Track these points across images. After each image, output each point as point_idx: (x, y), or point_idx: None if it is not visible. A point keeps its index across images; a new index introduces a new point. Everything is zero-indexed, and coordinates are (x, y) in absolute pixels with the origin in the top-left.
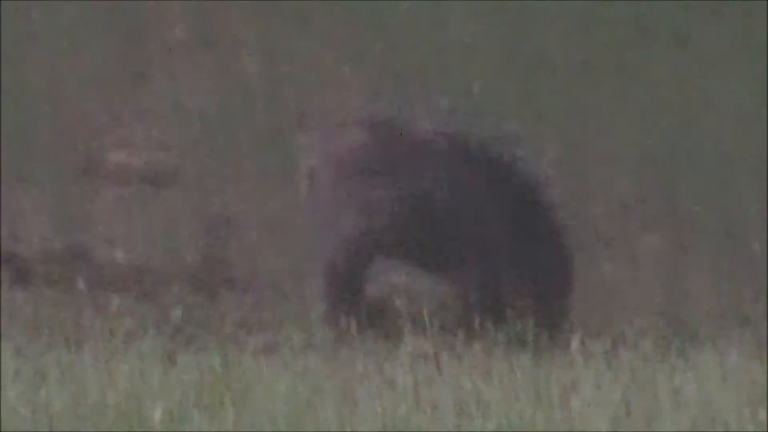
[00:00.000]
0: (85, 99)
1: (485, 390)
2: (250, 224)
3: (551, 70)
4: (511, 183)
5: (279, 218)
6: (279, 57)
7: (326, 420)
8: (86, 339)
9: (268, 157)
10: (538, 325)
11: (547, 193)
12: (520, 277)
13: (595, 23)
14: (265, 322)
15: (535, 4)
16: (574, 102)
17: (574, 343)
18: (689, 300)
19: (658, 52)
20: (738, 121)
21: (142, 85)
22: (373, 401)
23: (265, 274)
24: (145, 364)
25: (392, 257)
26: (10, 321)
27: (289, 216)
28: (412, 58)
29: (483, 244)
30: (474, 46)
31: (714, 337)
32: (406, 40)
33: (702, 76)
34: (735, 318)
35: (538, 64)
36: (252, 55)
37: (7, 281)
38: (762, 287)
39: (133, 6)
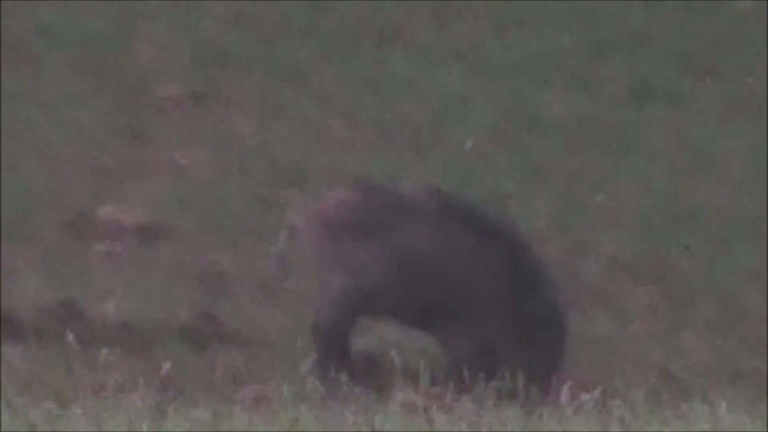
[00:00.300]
0: (78, 156)
1: None
2: (241, 279)
3: (546, 128)
4: (503, 240)
5: (270, 274)
6: (273, 114)
7: None
8: (76, 393)
9: (260, 214)
10: (528, 379)
11: (539, 249)
12: (512, 331)
13: (591, 82)
14: (256, 375)
15: (531, 62)
16: (569, 160)
17: (565, 396)
18: (682, 355)
19: (655, 110)
20: (734, 181)
21: (135, 142)
22: None
23: (255, 328)
24: (135, 417)
25: (378, 314)
26: (1, 375)
27: (282, 271)
28: (407, 117)
29: (472, 300)
30: (469, 104)
31: (705, 390)
32: (401, 98)
33: (699, 136)
34: (726, 373)
35: (534, 122)
36: (246, 113)
37: None
38: (754, 343)
39: (127, 63)
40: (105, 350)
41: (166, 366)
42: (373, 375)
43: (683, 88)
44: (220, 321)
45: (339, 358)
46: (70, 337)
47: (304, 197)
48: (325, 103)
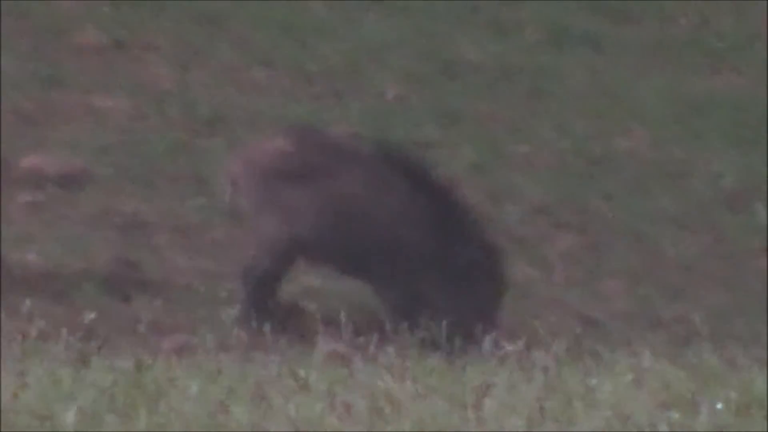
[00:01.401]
0: None
1: (399, 391)
2: (162, 227)
3: (464, 73)
4: (428, 186)
5: (191, 221)
6: (191, 61)
7: (239, 422)
8: None
9: (180, 161)
10: (455, 327)
11: (462, 195)
12: (437, 278)
13: (509, 26)
14: (179, 324)
15: (449, 5)
16: (488, 105)
17: (488, 345)
18: (603, 302)
19: (573, 55)
20: (652, 125)
21: (53, 87)
22: (286, 403)
23: (178, 276)
24: (58, 366)
25: (312, 260)
26: None
27: (202, 219)
28: (326, 62)
29: (400, 246)
30: (387, 49)
31: (627, 338)
32: (320, 43)
33: (616, 80)
34: (647, 320)
35: (451, 67)
36: (164, 59)
37: None
38: (673, 290)
39: (45, 8)
40: (28, 299)
41: (90, 315)
42: (296, 325)
43: (601, 33)
44: (141, 269)
45: (265, 306)
46: None
47: (223, 144)
48: (243, 48)
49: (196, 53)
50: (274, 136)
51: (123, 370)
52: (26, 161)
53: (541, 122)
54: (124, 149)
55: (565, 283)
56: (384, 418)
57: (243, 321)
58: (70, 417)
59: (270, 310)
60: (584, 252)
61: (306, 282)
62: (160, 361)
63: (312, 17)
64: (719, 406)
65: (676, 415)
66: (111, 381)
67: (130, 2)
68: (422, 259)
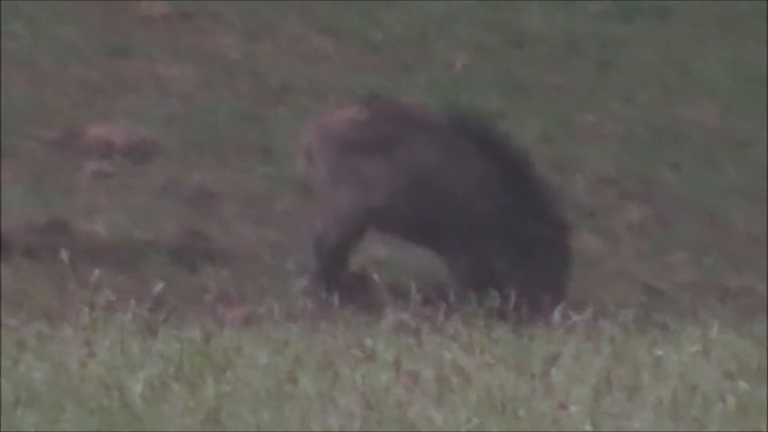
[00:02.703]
0: (63, 72)
1: (466, 361)
2: (230, 197)
3: (531, 44)
4: (501, 156)
5: (258, 192)
6: (258, 31)
7: (307, 391)
8: (67, 311)
9: (247, 131)
10: (519, 297)
11: (533, 166)
12: (505, 248)
13: None
14: (246, 294)
15: None
16: (554, 76)
17: (555, 315)
18: (670, 272)
19: (641, 26)
20: (720, 98)
21: (120, 58)
22: (353, 373)
23: (245, 247)
24: (126, 336)
25: (384, 230)
26: None
27: (269, 189)
28: (392, 33)
29: (471, 216)
30: (453, 20)
31: (694, 309)
32: (386, 15)
33: (684, 53)
34: (715, 291)
35: (518, 38)
36: (231, 30)
37: None
38: (741, 261)
39: None
40: (96, 269)
41: (157, 285)
42: (363, 295)
43: (668, 4)
44: (209, 240)
45: (334, 276)
46: (63, 255)
47: (290, 114)
48: (310, 19)
49: (262, 23)
50: (347, 106)
51: (190, 340)
52: (93, 131)
53: (607, 93)
54: (191, 119)
55: (631, 253)
56: (451, 388)
57: (312, 291)
58: (137, 386)
59: (338, 281)
60: (651, 223)
61: (373, 252)
62: (228, 331)
63: None
64: None
65: (743, 385)
66: (178, 351)
67: None
68: (491, 229)
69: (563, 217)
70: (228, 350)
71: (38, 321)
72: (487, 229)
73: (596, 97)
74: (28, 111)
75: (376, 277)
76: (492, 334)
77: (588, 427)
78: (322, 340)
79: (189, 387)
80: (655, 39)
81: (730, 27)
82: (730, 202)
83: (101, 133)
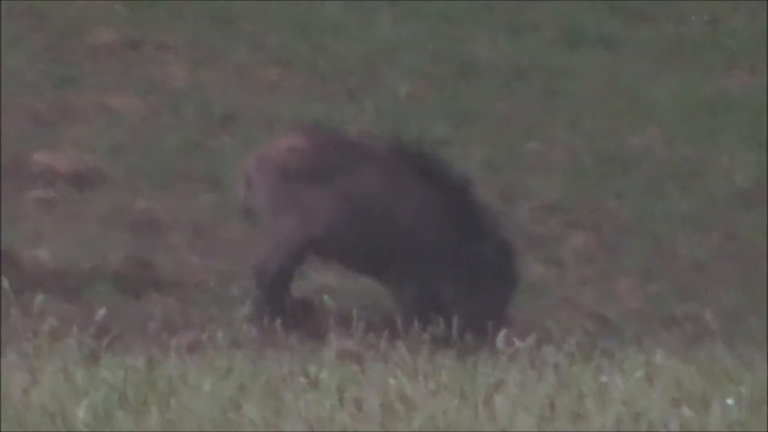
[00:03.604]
0: (10, 100)
1: (410, 388)
2: (175, 226)
3: (478, 73)
4: (443, 184)
5: (204, 220)
6: (205, 60)
7: (251, 419)
8: (10, 338)
9: (194, 160)
10: (463, 324)
11: (477, 193)
12: (449, 275)
13: (523, 26)
14: (191, 321)
15: (463, 6)
16: (501, 104)
17: (499, 342)
18: (615, 300)
19: (587, 55)
20: (666, 125)
21: (67, 87)
22: (298, 400)
23: (190, 274)
24: (70, 363)
25: (326, 258)
26: None
27: (215, 218)
28: (339, 61)
29: (414, 244)
30: (401, 48)
31: (639, 336)
32: (333, 42)
33: (630, 80)
34: (660, 318)
35: (466, 66)
36: (178, 59)
37: None
38: (685, 289)
39: (59, 7)
40: (40, 296)
41: (101, 312)
42: (307, 322)
43: (615, 33)
44: (154, 267)
45: (277, 303)
46: (5, 282)
47: (236, 143)
48: (257, 48)
49: (210, 53)
50: (288, 135)
51: (135, 367)
52: (39, 158)
53: (554, 121)
54: (138, 148)
55: (577, 281)
56: (395, 415)
57: (255, 318)
58: (81, 414)
59: (282, 308)
60: (597, 250)
61: (318, 279)
62: (172, 358)
63: (326, 17)
64: (730, 402)
65: (687, 412)
66: (122, 378)
67: (144, 2)
68: (436, 257)
69: (508, 242)
70: (172, 378)
71: None
72: (431, 256)
73: (542, 125)
74: None
75: (323, 302)
76: (436, 361)
77: None
78: (266, 367)
79: (133, 414)
80: (602, 67)
81: (676, 55)
82: (676, 230)
83: (46, 160)
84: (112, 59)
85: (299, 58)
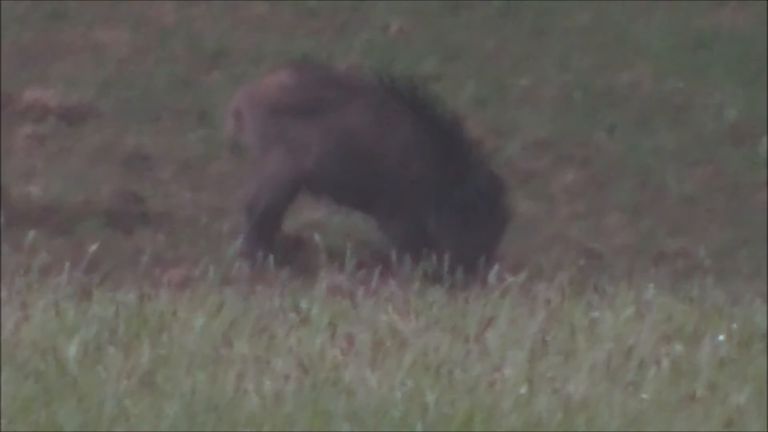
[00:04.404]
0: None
1: (401, 324)
2: (165, 161)
3: (467, 8)
4: (433, 120)
5: (194, 155)
6: None
7: (242, 354)
8: (2, 274)
9: (183, 95)
10: (458, 261)
11: (466, 129)
12: (440, 212)
13: None
14: (182, 257)
15: None
16: (490, 40)
17: (491, 278)
18: (606, 235)
19: None
20: (655, 60)
21: (55, 22)
22: (289, 336)
23: (181, 209)
24: (61, 299)
25: (316, 194)
26: None
27: (205, 153)
28: None
29: (404, 179)
30: None
31: (630, 272)
32: None
33: (619, 15)
34: (650, 254)
35: (455, 3)
36: None
37: None
38: (675, 224)
39: None
40: (31, 232)
41: (92, 248)
42: (299, 258)
43: None
44: (144, 202)
45: (268, 239)
46: None
47: (225, 78)
48: None
49: None
50: (277, 71)
51: (125, 303)
52: (28, 95)
53: (544, 57)
54: (127, 84)
55: (567, 217)
56: (386, 351)
57: (246, 254)
58: (72, 350)
59: (273, 244)
60: (586, 186)
61: (309, 216)
62: (163, 294)
63: None
64: (721, 338)
65: (678, 348)
66: (113, 314)
67: None
68: (426, 193)
69: (498, 178)
70: (163, 313)
71: None
72: (420, 191)
73: (532, 61)
74: None
75: (314, 239)
76: (427, 296)
77: (523, 390)
78: (257, 303)
79: (124, 350)
80: (590, 3)
81: None
82: (665, 165)
83: (36, 96)
84: None
85: None
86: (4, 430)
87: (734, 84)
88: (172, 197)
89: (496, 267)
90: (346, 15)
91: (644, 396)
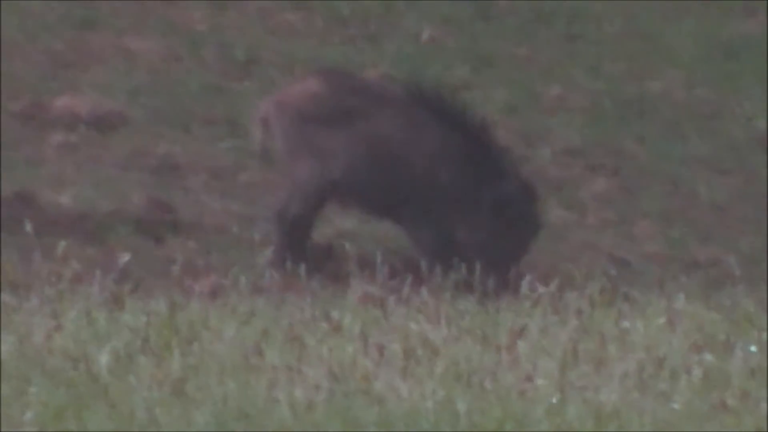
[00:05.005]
0: (31, 45)
1: (432, 333)
2: (196, 169)
3: (498, 15)
4: (462, 127)
5: (225, 163)
6: (225, 3)
7: (273, 364)
8: (33, 283)
9: (214, 103)
10: (485, 269)
11: (496, 137)
12: (471, 220)
13: None
14: (212, 266)
15: None
16: (521, 47)
17: (522, 287)
18: (636, 244)
19: (606, 0)
20: (685, 68)
21: (86, 29)
22: (320, 345)
23: (211, 218)
24: (92, 308)
25: (345, 203)
26: None
27: (235, 161)
28: (359, 5)
29: (434, 188)
30: None
31: (661, 280)
32: None
33: (650, 23)
34: (681, 262)
35: (486, 9)
36: (198, 2)
37: None
38: (706, 232)
39: None
40: (62, 241)
41: (124, 257)
42: (330, 267)
43: None
44: (175, 211)
45: (299, 248)
46: (29, 227)
47: (257, 87)
48: None
49: None
50: (306, 78)
51: (157, 311)
52: (59, 102)
53: (574, 65)
54: (158, 91)
55: (598, 225)
56: (417, 360)
57: (276, 263)
58: (104, 358)
59: (303, 253)
60: (617, 194)
61: (340, 224)
62: (194, 303)
63: None
64: (753, 348)
65: (709, 357)
66: (144, 323)
67: None
68: (456, 201)
69: (529, 186)
70: (194, 322)
71: (4, 293)
72: (450, 200)
73: (562, 69)
74: None
75: (345, 248)
76: (458, 305)
77: (555, 400)
78: (288, 312)
79: (155, 359)
80: (621, 10)
81: None
82: (696, 173)
83: (67, 104)
84: (131, 2)
85: (319, 2)
86: None
87: (764, 92)
88: (202, 206)
89: (527, 277)
90: (378, 23)
91: (675, 405)
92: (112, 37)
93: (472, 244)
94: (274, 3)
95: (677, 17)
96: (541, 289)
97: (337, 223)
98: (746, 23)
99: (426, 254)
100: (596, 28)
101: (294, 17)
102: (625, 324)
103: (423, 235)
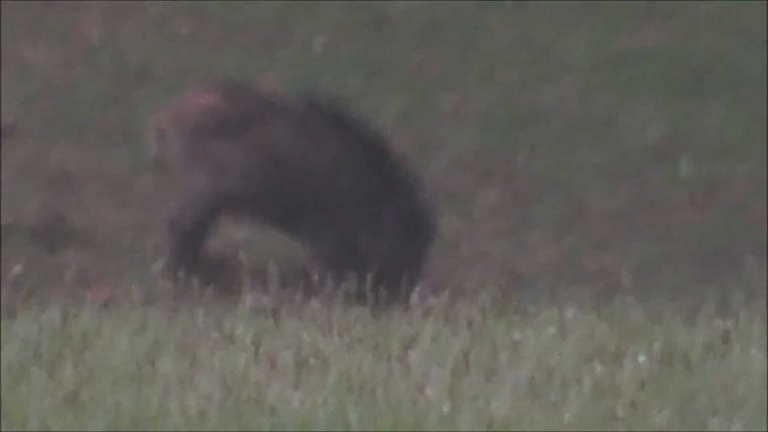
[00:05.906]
0: None
1: (324, 343)
2: (90, 179)
3: (392, 25)
4: (357, 138)
5: (119, 173)
6: (119, 12)
7: (166, 373)
8: None
9: (108, 112)
10: (377, 278)
11: (391, 146)
12: (364, 230)
13: None
14: (106, 276)
15: None
16: (415, 57)
17: (413, 297)
18: (529, 254)
19: (500, 8)
20: (578, 79)
21: None
22: (212, 355)
23: (105, 228)
24: None
25: (239, 213)
26: None
27: (130, 171)
28: (253, 13)
29: (328, 198)
30: (316, 0)
31: (552, 290)
32: None
33: (543, 34)
34: (574, 271)
35: (379, 19)
36: (93, 11)
37: None
38: (598, 241)
39: None
40: None
41: (17, 268)
42: (222, 277)
43: None
44: (69, 221)
45: (192, 258)
46: None
47: (151, 96)
48: (171, 1)
49: (123, 4)
50: (202, 89)
51: (49, 321)
52: None
53: (468, 74)
54: (52, 100)
55: (490, 235)
56: (309, 369)
57: (169, 273)
58: None
59: (197, 263)
60: (510, 204)
61: (233, 234)
62: (87, 312)
63: None
64: (642, 358)
65: (599, 367)
66: (37, 333)
67: None
68: (350, 211)
69: (423, 196)
70: (87, 332)
71: None
72: (345, 210)
73: (456, 78)
74: None
75: (238, 258)
76: (350, 315)
77: (446, 409)
78: (181, 322)
79: (48, 369)
80: (515, 20)
81: (588, 8)
82: (589, 183)
83: None
84: (26, 10)
85: (212, 10)
86: None
87: (657, 102)
88: (96, 215)
89: (418, 286)
90: (271, 32)
91: (566, 415)
92: (7, 44)
93: (371, 255)
94: (169, 11)
95: (570, 27)
96: (432, 299)
97: (231, 233)
98: (639, 33)
99: (325, 265)
100: (490, 37)
101: (188, 26)
102: (517, 334)
103: (321, 247)
